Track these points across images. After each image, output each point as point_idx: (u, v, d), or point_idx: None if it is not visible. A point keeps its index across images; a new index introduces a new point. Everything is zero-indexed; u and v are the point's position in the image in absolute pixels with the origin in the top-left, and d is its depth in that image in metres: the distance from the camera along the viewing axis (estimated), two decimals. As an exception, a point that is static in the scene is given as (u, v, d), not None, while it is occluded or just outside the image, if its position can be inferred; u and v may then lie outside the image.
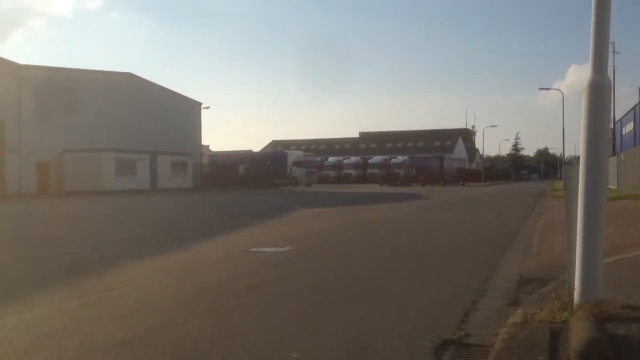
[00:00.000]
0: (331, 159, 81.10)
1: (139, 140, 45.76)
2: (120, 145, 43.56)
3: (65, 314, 5.42)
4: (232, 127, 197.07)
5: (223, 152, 70.79)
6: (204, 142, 60.16)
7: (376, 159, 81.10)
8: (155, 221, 17.81)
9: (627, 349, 3.61)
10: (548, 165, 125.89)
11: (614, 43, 41.79)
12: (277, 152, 65.29)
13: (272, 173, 58.86)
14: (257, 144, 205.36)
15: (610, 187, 34.89)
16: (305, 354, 4.02)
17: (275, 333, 4.57)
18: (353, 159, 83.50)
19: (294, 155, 61.70)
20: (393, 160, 77.49)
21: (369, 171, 78.84)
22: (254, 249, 9.76)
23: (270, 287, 6.53)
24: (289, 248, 9.83)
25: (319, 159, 73.17)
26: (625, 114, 50.31)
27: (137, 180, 44.63)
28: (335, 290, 6.37)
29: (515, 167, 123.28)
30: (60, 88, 41.30)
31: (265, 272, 7.54)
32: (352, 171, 79.36)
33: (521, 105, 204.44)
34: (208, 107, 58.03)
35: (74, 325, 4.92)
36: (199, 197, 35.20)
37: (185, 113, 53.56)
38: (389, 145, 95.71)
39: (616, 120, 50.74)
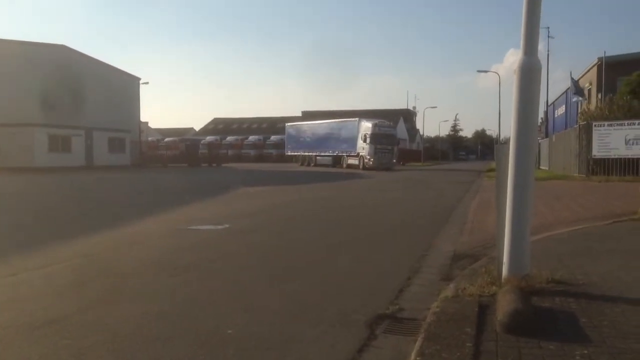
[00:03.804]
0: (273, 138, 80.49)
1: (73, 116, 44.04)
2: (53, 120, 41.85)
3: (-9, 293, 5.22)
4: (173, 104, 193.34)
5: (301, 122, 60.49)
6: (143, 119, 58.56)
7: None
8: (90, 199, 17.26)
9: (550, 320, 3.78)
10: (485, 146, 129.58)
11: (548, 28, 43.00)
12: (349, 122, 48.28)
13: (342, 147, 47.37)
14: (198, 122, 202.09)
15: (542, 167, 36.28)
16: (240, 330, 4.02)
17: (211, 310, 4.54)
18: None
19: (364, 126, 45.32)
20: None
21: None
22: (192, 227, 9.64)
23: (207, 265, 6.47)
24: (227, 226, 9.76)
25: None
26: (558, 98, 52.23)
27: (72, 157, 43.11)
28: (273, 267, 6.37)
29: (453, 148, 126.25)
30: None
31: (202, 250, 7.46)
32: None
33: (461, 87, 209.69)
34: (147, 83, 56.30)
35: (0, 304, 4.74)
36: (137, 174, 34.35)
37: (123, 88, 51.82)
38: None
39: (549, 104, 52.58)
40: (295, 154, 55.50)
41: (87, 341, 3.78)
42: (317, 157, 51.17)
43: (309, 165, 51.63)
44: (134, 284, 5.53)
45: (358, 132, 45.31)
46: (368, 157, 43.68)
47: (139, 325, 4.13)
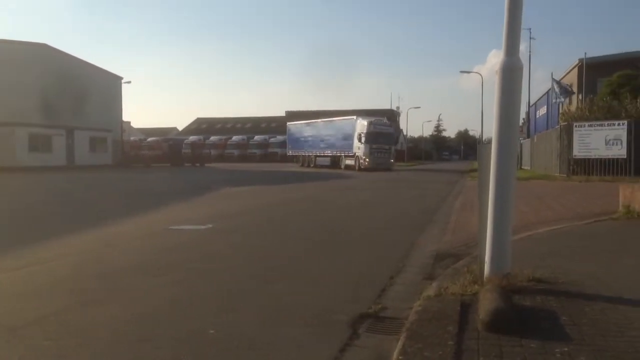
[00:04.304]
0: (257, 138, 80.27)
1: (55, 115, 43.52)
2: (34, 119, 41.34)
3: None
4: (155, 104, 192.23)
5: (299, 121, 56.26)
6: (125, 118, 58.05)
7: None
8: (72, 199, 17.09)
9: (531, 318, 3.81)
10: (468, 147, 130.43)
11: (530, 29, 43.50)
12: (346, 120, 45.79)
13: (339, 147, 45.44)
14: (181, 122, 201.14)
15: (524, 168, 36.62)
16: (222, 330, 4.00)
17: (193, 311, 4.52)
18: (280, 137, 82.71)
19: (360, 124, 42.76)
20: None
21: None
22: (175, 227, 9.58)
23: (190, 265, 6.42)
24: (210, 226, 9.72)
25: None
26: (539, 98, 52.82)
27: (53, 157, 42.66)
28: (256, 268, 6.35)
29: (437, 148, 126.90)
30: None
31: (185, 250, 7.42)
32: (278, 150, 77.65)
33: (445, 88, 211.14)
34: (129, 82, 55.86)
35: (-21, 307, 4.68)
36: (119, 174, 34.04)
37: (105, 87, 51.35)
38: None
39: (531, 104, 53.08)
40: (296, 154, 53.72)
41: (68, 342, 3.75)
42: (317, 158, 49.19)
43: (308, 166, 49.66)
44: (116, 285, 5.48)
45: (354, 131, 43.12)
46: (363, 157, 41.63)
47: (121, 326, 4.10)
